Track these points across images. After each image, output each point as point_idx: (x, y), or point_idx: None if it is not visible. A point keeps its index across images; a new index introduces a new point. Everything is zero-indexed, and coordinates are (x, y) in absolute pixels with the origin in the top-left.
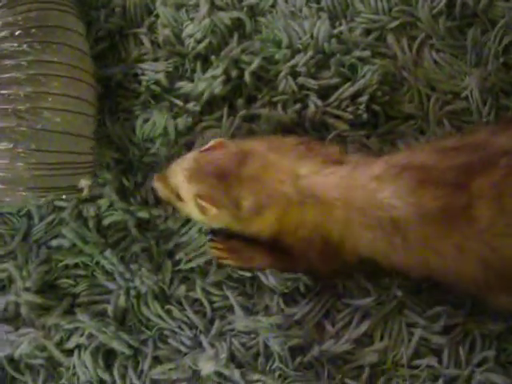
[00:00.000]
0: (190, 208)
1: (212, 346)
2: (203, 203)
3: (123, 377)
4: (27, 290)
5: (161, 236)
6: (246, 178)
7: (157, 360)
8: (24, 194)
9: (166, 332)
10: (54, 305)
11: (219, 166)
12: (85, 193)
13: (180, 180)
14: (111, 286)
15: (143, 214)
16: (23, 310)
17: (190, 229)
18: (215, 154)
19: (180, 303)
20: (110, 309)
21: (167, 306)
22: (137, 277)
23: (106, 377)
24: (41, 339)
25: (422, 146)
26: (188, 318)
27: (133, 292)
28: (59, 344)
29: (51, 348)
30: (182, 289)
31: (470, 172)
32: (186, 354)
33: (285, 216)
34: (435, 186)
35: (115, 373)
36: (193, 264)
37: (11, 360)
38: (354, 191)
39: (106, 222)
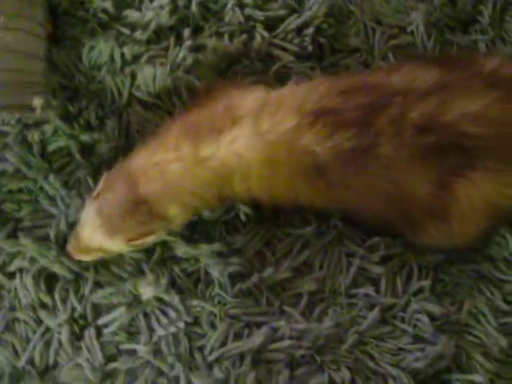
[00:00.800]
0: (126, 250)
1: (152, 271)
2: (138, 242)
3: (64, 300)
4: None
5: (105, 162)
6: (152, 195)
7: (98, 285)
8: None
9: (106, 258)
10: None
11: (121, 203)
12: (38, 112)
13: (100, 240)
14: (54, 210)
15: (86, 138)
16: None
17: None
18: (107, 195)
19: None
20: (51, 233)
21: None
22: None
23: (47, 300)
24: None
25: (322, 84)
26: None
27: (71, 217)
28: (1, 267)
29: None
30: None
31: (372, 111)
32: (126, 280)
33: (217, 197)
34: (346, 127)
35: (56, 296)
36: None
37: None
38: (276, 146)
39: (50, 148)
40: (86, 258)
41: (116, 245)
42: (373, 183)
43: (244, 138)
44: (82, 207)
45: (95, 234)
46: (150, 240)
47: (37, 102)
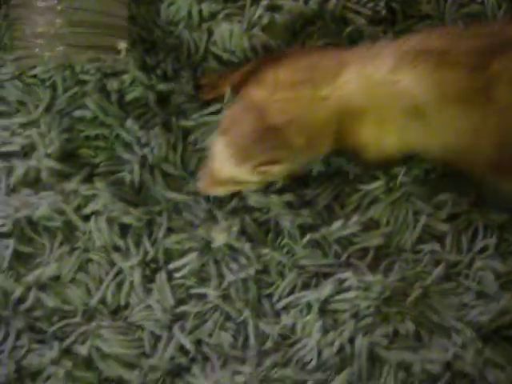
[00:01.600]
0: (252, 182)
1: (225, 219)
2: (265, 169)
3: (137, 244)
4: (48, 156)
5: (179, 112)
6: (280, 124)
7: (171, 230)
8: (63, 49)
9: (180, 205)
10: (73, 172)
11: (249, 132)
12: (122, 54)
13: (230, 169)
14: (129, 157)
15: (162, 88)
16: (44, 175)
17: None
18: (235, 127)
19: None
20: (126, 178)
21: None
22: (153, 139)
23: (120, 243)
24: (59, 203)
25: (432, 31)
26: None
27: (150, 157)
28: (77, 209)
29: (69, 212)
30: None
31: (487, 55)
32: (199, 227)
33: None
34: (453, 69)
35: (129, 240)
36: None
37: (30, 222)
38: (376, 89)
39: (128, 97)
40: (218, 191)
41: (244, 173)
42: (483, 126)
43: (353, 83)
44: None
45: (225, 164)
46: (276, 170)
47: (122, 45)
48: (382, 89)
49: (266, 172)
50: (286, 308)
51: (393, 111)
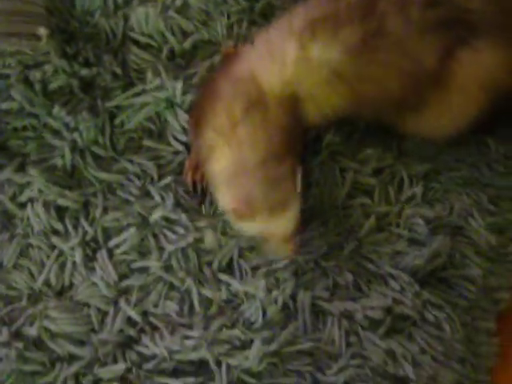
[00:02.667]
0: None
1: (159, 194)
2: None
3: (75, 226)
4: None
5: (104, 95)
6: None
7: (107, 210)
8: None
9: (113, 185)
10: (5, 163)
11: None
12: (44, 40)
13: (251, 225)
14: (58, 143)
15: (86, 73)
16: None
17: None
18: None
19: (130, 160)
20: (58, 163)
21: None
22: (81, 123)
23: (58, 226)
24: None
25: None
26: (140, 167)
27: (79, 141)
28: (13, 198)
29: (5, 201)
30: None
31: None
32: (134, 204)
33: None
34: (348, 23)
35: (67, 222)
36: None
37: None
38: (300, 67)
39: (51, 86)
40: (287, 248)
41: (264, 224)
42: (387, 61)
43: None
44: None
45: (245, 224)
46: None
47: (42, 31)
48: (301, 69)
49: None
50: (227, 273)
51: (319, 85)
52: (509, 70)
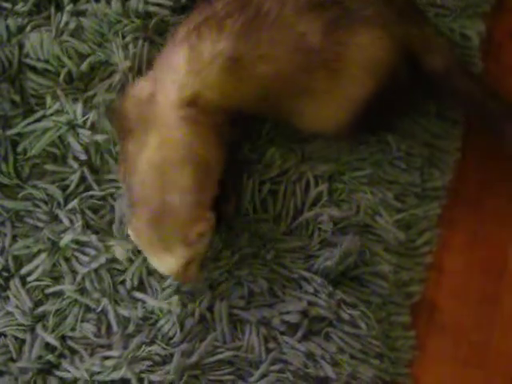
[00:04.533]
0: (202, 246)
1: (67, 218)
2: (203, 230)
3: None
4: None
5: (5, 124)
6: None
7: (16, 238)
8: None
9: (21, 212)
10: None
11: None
12: None
13: (173, 260)
14: None
15: None
16: None
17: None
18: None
19: (35, 186)
20: None
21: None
22: None
23: None
24: None
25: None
26: (45, 192)
27: None
28: None
29: None
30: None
31: None
32: (42, 229)
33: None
34: (229, 17)
35: None
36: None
37: None
38: (192, 66)
39: None
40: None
41: (186, 253)
42: (272, 40)
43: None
44: None
45: (168, 263)
46: (207, 224)
47: None
48: (194, 67)
49: (202, 231)
50: (141, 290)
51: (217, 75)
52: (388, 50)
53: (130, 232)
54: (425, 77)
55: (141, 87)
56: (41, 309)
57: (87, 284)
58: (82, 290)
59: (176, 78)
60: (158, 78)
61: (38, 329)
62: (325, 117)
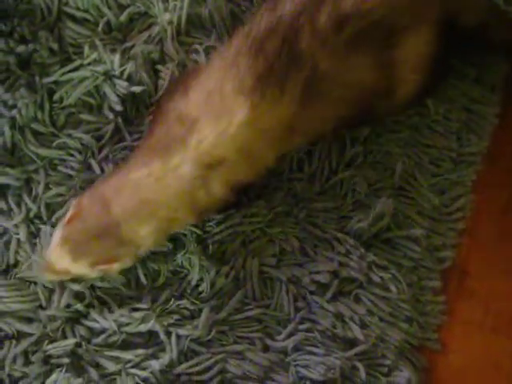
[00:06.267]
0: (92, 275)
1: (100, 167)
2: (103, 267)
3: (18, 204)
4: None
5: (42, 72)
6: (123, 214)
7: (49, 186)
8: None
9: (55, 161)
10: None
11: (89, 228)
12: None
13: (65, 263)
14: None
15: (23, 50)
16: None
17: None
18: (76, 220)
19: (70, 135)
20: None
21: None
22: (20, 100)
23: (1, 205)
24: None
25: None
26: (79, 141)
27: (19, 118)
28: None
29: None
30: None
31: (289, 44)
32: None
33: (191, 210)
34: (278, 76)
35: (10, 200)
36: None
37: None
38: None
39: None
40: (55, 278)
41: (81, 269)
42: (329, 98)
43: (209, 138)
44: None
45: (61, 258)
46: (115, 267)
47: None
48: (246, 130)
49: (105, 271)
50: (171, 243)
51: (267, 140)
52: (433, 41)
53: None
54: (463, 36)
55: (185, 106)
56: None
57: None
58: None
59: (225, 131)
60: (206, 111)
61: None
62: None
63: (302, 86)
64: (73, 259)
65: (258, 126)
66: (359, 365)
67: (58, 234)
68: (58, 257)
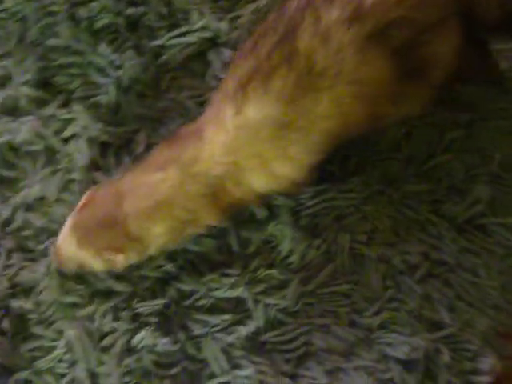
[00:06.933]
0: (98, 266)
1: None
2: (107, 257)
3: (118, 162)
4: (25, 84)
5: (149, 35)
6: (135, 213)
7: (149, 148)
8: None
9: (156, 124)
10: (50, 99)
11: (99, 216)
12: None
13: (73, 250)
14: (103, 80)
15: (132, 12)
16: (21, 103)
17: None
18: (87, 209)
19: (172, 99)
20: (103, 101)
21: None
22: (126, 61)
23: (101, 162)
24: (39, 127)
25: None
26: (182, 105)
27: (124, 79)
28: (56, 133)
29: (49, 136)
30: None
31: (289, 40)
32: None
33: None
34: (275, 75)
35: (110, 159)
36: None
37: (11, 147)
38: (236, 141)
39: (97, 24)
40: (65, 266)
41: (86, 256)
42: (336, 97)
43: (219, 145)
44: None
45: (69, 244)
46: (120, 259)
47: None
48: (241, 132)
49: (110, 260)
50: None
51: (267, 143)
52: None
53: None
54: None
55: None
56: None
57: None
58: None
59: (226, 137)
60: (209, 123)
61: None
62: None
63: (293, 82)
64: (79, 246)
65: (249, 123)
66: (444, 348)
67: (69, 220)
68: (66, 243)
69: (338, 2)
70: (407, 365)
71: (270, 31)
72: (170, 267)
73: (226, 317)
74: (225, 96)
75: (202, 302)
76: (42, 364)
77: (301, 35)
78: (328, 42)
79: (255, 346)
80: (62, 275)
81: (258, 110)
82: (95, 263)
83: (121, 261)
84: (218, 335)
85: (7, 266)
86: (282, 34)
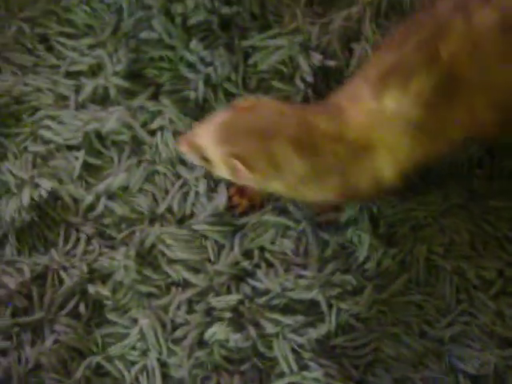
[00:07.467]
0: (219, 170)
1: None
2: (235, 165)
3: None
4: (116, 74)
5: (241, 35)
6: (293, 139)
7: None
8: None
9: None
10: (139, 90)
11: (257, 124)
12: None
13: (207, 141)
14: (193, 76)
15: (226, 11)
16: (111, 93)
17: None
18: (252, 114)
19: None
20: (191, 95)
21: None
22: (217, 59)
23: (185, 156)
24: (127, 118)
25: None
26: None
27: (213, 76)
28: (144, 124)
29: (136, 127)
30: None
31: (435, 38)
32: None
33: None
34: (415, 73)
35: None
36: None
37: (98, 136)
38: (377, 123)
39: (191, 21)
40: (191, 156)
41: (215, 155)
42: (473, 103)
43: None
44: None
45: (206, 136)
46: (244, 175)
47: None
48: (377, 119)
49: (233, 168)
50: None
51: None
52: None
53: None
54: None
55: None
56: (242, 220)
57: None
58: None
59: (358, 117)
60: (347, 101)
61: (238, 236)
62: None
63: (434, 87)
64: (216, 142)
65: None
66: None
67: (220, 113)
68: (205, 133)
69: (491, 8)
70: (476, 379)
71: (417, 29)
72: (246, 264)
73: (299, 318)
74: (365, 80)
75: (276, 301)
76: (114, 350)
77: (447, 38)
78: (476, 49)
79: (325, 349)
80: (139, 263)
81: (395, 104)
82: (219, 166)
83: (244, 176)
84: (290, 335)
85: (87, 252)
86: (428, 34)
